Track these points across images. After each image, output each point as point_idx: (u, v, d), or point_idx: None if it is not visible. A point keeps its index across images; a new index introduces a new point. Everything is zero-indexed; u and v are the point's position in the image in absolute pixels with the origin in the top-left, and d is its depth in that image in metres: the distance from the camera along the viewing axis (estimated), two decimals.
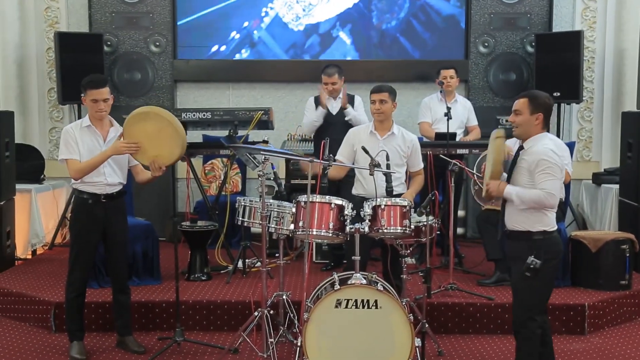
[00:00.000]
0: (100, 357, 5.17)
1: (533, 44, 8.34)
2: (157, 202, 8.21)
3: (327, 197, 4.72)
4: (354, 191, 5.53)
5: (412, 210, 4.88)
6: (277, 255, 5.33)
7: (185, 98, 8.64)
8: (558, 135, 7.76)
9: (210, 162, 8.19)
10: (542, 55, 8.12)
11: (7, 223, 6.86)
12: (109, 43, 8.39)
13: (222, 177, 7.56)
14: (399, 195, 5.13)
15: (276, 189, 5.39)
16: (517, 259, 4.20)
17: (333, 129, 6.64)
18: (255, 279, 6.23)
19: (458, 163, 5.75)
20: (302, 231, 4.69)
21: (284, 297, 5.13)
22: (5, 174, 6.79)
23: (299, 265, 6.65)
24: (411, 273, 5.43)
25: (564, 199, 6.06)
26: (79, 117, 7.65)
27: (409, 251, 5.04)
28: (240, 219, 5.19)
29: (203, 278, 6.36)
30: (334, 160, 4.99)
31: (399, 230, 4.72)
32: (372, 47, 8.54)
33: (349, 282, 4.48)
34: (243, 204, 5.19)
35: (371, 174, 4.76)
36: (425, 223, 4.99)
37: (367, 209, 4.73)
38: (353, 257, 4.63)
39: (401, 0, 8.47)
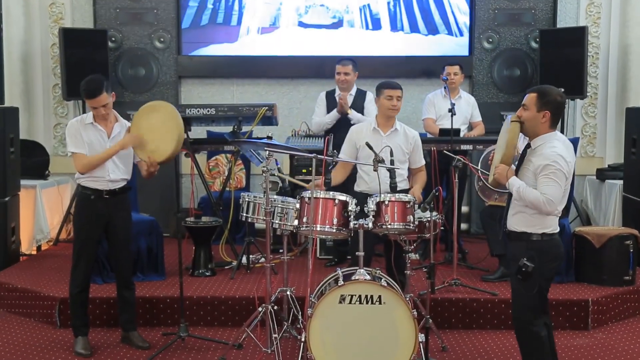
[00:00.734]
0: (104, 352, 5.18)
1: (537, 39, 8.33)
2: (161, 198, 8.22)
3: (331, 193, 4.72)
4: (357, 188, 5.53)
5: (416, 206, 4.89)
6: (281, 251, 5.33)
7: (190, 94, 8.65)
8: (562, 131, 7.75)
9: (214, 158, 8.20)
10: (547, 51, 8.11)
11: (11, 219, 6.87)
12: (113, 39, 8.40)
13: (226, 173, 7.57)
14: (402, 192, 5.13)
15: (280, 184, 5.40)
16: (515, 260, 4.13)
17: (338, 124, 6.64)
18: (259, 275, 6.25)
19: (462, 159, 5.75)
20: (306, 227, 4.69)
21: (288, 292, 5.14)
22: (10, 170, 6.81)
23: (302, 261, 6.66)
24: (415, 269, 5.44)
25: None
26: (84, 113, 7.65)
27: (412, 247, 5.04)
28: (244, 214, 5.20)
29: (207, 274, 6.37)
30: (338, 157, 4.99)
31: (402, 226, 4.73)
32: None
33: (352, 278, 4.48)
34: (247, 199, 5.20)
35: (375, 170, 4.77)
36: (429, 219, 4.99)
37: (371, 205, 4.73)
38: (357, 253, 4.63)
39: None
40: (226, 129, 6.94)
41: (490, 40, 8.51)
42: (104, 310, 5.68)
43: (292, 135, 7.63)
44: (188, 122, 6.57)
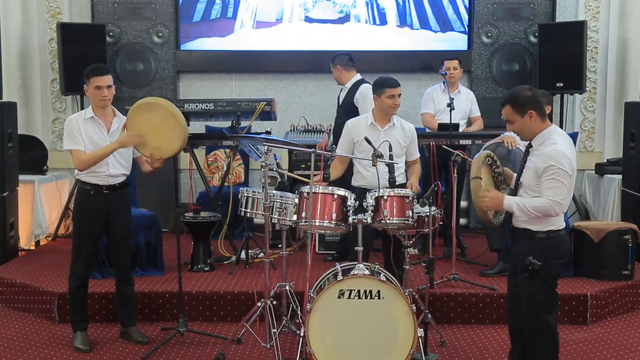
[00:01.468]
0: (103, 347, 5.18)
1: (536, 34, 8.33)
2: (160, 193, 8.22)
3: (330, 187, 4.72)
4: (354, 182, 5.52)
5: (415, 200, 4.89)
6: (280, 246, 5.34)
7: (188, 89, 8.64)
8: (560, 126, 7.75)
9: (213, 153, 8.19)
10: (545, 45, 8.10)
11: (10, 214, 6.87)
12: (111, 34, 8.39)
13: (225, 168, 7.56)
14: (400, 186, 5.12)
15: (279, 179, 5.39)
16: (520, 258, 4.08)
17: (340, 118, 6.64)
18: (258, 270, 6.24)
19: (461, 154, 5.74)
20: (305, 222, 4.69)
21: (287, 287, 5.14)
22: (8, 165, 6.80)
23: (301, 256, 6.67)
24: (414, 264, 5.43)
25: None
26: (82, 108, 7.63)
27: (411, 242, 5.04)
28: (243, 209, 5.19)
29: (206, 269, 6.37)
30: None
31: (401, 221, 4.73)
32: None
33: (351, 273, 4.48)
34: (246, 194, 5.19)
35: (374, 165, 4.77)
36: (427, 214, 4.99)
37: (369, 200, 4.73)
38: (356, 248, 4.64)
39: None
40: (225, 124, 6.94)
41: (489, 34, 8.50)
42: (102, 306, 5.68)
43: (291, 130, 7.62)
44: (187, 117, 6.54)
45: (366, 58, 8.27)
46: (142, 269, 6.18)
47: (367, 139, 4.96)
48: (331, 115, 7.29)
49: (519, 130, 4.11)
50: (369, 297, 4.38)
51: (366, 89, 6.71)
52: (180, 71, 8.60)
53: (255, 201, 5.14)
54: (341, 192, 4.72)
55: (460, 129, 7.02)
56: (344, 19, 8.51)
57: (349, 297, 4.38)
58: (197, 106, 6.64)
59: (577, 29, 8.00)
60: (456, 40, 8.51)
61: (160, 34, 8.48)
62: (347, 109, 6.75)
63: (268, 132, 6.32)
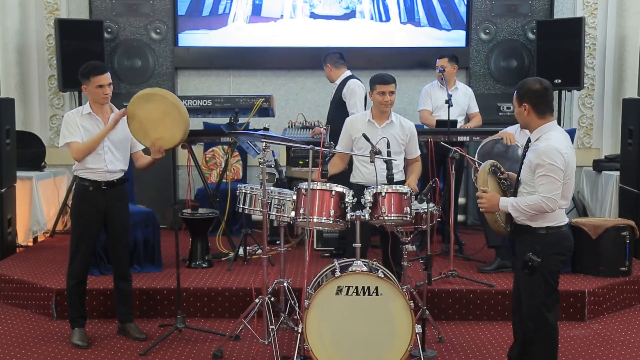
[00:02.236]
0: (101, 343, 5.19)
1: (534, 30, 8.32)
2: (158, 189, 8.22)
3: (328, 184, 4.72)
4: (352, 179, 5.52)
5: (413, 197, 4.89)
6: (278, 242, 5.34)
7: (186, 85, 8.63)
8: (558, 123, 7.75)
9: (211, 149, 8.19)
10: (544, 42, 8.10)
11: (8, 210, 6.87)
12: (109, 30, 8.37)
13: (223, 165, 7.56)
14: (399, 183, 5.13)
15: (277, 176, 5.39)
16: (520, 254, 4.09)
17: (337, 115, 6.63)
18: (256, 266, 6.25)
19: (459, 150, 5.74)
20: (303, 218, 4.69)
21: (285, 284, 5.15)
22: (6, 161, 6.80)
23: (299, 253, 6.68)
24: (412, 260, 5.43)
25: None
26: (80, 104, 7.65)
27: (409, 238, 5.04)
28: (241, 206, 5.19)
29: (204, 265, 6.37)
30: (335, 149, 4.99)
31: (399, 218, 4.73)
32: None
33: (349, 269, 4.48)
34: (244, 191, 5.19)
35: (372, 162, 4.77)
36: (425, 210, 4.99)
37: (367, 197, 4.73)
38: (354, 244, 4.64)
39: None
40: (223, 120, 6.94)
41: (487, 31, 8.50)
42: (100, 302, 5.68)
43: (289, 127, 7.62)
44: None
45: (364, 54, 8.29)
46: (140, 266, 6.18)
47: (364, 136, 4.97)
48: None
49: (516, 116, 4.18)
50: (366, 293, 4.38)
51: (353, 84, 6.75)
52: (178, 67, 8.59)
53: (253, 198, 5.14)
54: (339, 188, 4.72)
55: (458, 126, 7.02)
56: (350, 14, 8.49)
57: (347, 294, 4.39)
58: (195, 103, 6.63)
59: (575, 26, 7.99)
60: (455, 37, 8.50)
61: (158, 30, 8.47)
62: (337, 105, 6.81)
63: (266, 129, 6.32)
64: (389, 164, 4.86)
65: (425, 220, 4.99)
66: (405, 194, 4.76)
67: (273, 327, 4.82)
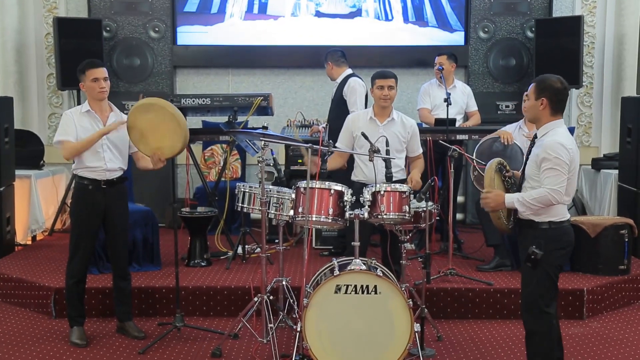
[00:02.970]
0: (100, 342, 5.18)
1: (533, 29, 8.33)
2: (156, 188, 8.22)
3: (327, 183, 4.72)
4: (353, 177, 5.53)
5: (412, 196, 4.89)
6: (276, 241, 5.33)
7: (185, 84, 8.63)
8: None
9: (209, 148, 8.19)
10: (542, 40, 8.11)
11: (7, 209, 6.86)
12: (108, 28, 8.37)
13: (222, 163, 7.56)
14: (398, 181, 5.13)
15: (276, 175, 5.39)
16: (524, 248, 4.12)
17: (337, 113, 6.63)
18: (255, 265, 6.25)
19: (458, 149, 5.75)
20: (302, 217, 4.69)
21: (284, 282, 5.14)
22: (4, 159, 6.79)
23: (298, 251, 6.67)
24: (410, 259, 5.44)
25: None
26: (79, 103, 7.64)
27: (408, 237, 5.04)
28: (240, 205, 5.19)
29: (203, 264, 6.37)
30: (334, 147, 4.99)
31: (398, 216, 4.73)
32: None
33: (348, 268, 4.48)
34: (243, 190, 5.19)
35: (371, 160, 4.77)
36: (424, 209, 4.99)
37: (366, 195, 4.73)
38: (353, 243, 4.63)
39: None
40: (222, 119, 6.93)
41: (486, 29, 8.50)
42: (99, 301, 5.67)
43: (288, 126, 7.62)
44: (183, 112, 6.54)
45: (364, 53, 8.28)
46: (139, 264, 6.18)
47: (363, 134, 4.98)
48: (328, 110, 7.28)
49: (528, 108, 4.21)
50: (365, 292, 4.39)
51: (354, 82, 6.75)
52: (177, 66, 8.58)
53: (252, 196, 5.14)
54: (338, 187, 4.71)
55: (457, 124, 7.02)
56: (356, 13, 8.48)
57: (346, 292, 4.39)
58: (194, 101, 6.64)
59: (574, 24, 8.00)
60: (454, 36, 8.51)
61: (156, 29, 8.46)
62: (338, 104, 6.80)
63: (265, 127, 6.32)
64: (388, 162, 4.86)
65: (424, 218, 5.00)
66: (404, 192, 4.76)
67: (272, 325, 4.81)
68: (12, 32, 8.21)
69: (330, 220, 4.70)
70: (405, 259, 4.99)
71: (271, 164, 5.21)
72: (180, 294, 5.33)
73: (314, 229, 6.72)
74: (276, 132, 7.08)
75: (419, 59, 8.43)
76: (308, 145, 4.79)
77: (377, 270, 4.53)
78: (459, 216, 8.07)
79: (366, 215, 4.70)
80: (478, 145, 6.19)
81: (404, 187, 4.80)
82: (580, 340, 5.26)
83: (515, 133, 6.10)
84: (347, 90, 6.76)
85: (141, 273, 6.06)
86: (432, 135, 6.62)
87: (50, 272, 6.16)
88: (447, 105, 6.48)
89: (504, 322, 5.60)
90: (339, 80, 6.91)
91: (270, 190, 4.97)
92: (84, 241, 5.10)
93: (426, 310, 5.06)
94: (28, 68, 8.36)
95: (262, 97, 6.59)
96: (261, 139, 4.91)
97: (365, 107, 6.49)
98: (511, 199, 4.06)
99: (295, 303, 5.12)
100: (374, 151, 4.76)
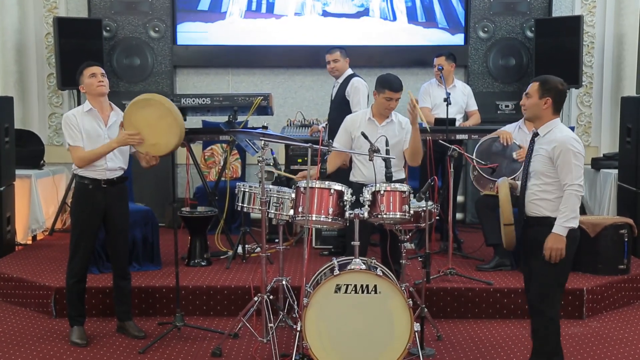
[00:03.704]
0: (100, 341, 5.19)
1: (533, 29, 8.33)
2: (156, 187, 8.22)
3: (327, 182, 4.72)
4: (352, 178, 5.53)
5: (412, 195, 4.89)
6: (276, 240, 5.34)
7: (185, 84, 8.63)
8: None
9: (209, 147, 8.19)
10: (542, 40, 8.11)
11: (7, 208, 6.87)
12: (108, 28, 8.37)
13: (222, 163, 7.57)
14: (398, 181, 5.13)
15: (275, 174, 5.39)
16: (538, 246, 4.13)
17: (337, 113, 6.63)
18: (255, 265, 6.25)
19: (457, 148, 5.75)
20: (302, 217, 4.70)
21: (284, 282, 5.14)
22: (4, 159, 6.80)
23: (298, 251, 6.67)
24: (410, 258, 5.45)
25: None
26: (79, 103, 7.65)
27: (408, 236, 5.05)
28: (240, 204, 5.19)
29: (203, 263, 6.37)
30: (334, 147, 4.99)
31: (398, 216, 4.73)
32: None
33: (348, 268, 4.49)
34: (243, 189, 5.19)
35: (370, 160, 4.77)
36: (424, 208, 5.00)
37: (366, 195, 4.74)
38: (352, 243, 4.64)
39: None
40: (221, 118, 6.94)
41: (486, 29, 8.50)
42: (100, 300, 5.68)
43: (288, 125, 7.62)
44: (183, 112, 6.57)
45: (363, 52, 8.27)
46: (139, 264, 6.19)
47: (363, 134, 4.99)
48: (328, 110, 7.28)
49: (530, 106, 4.24)
50: (365, 291, 4.39)
51: (357, 82, 6.72)
52: (177, 66, 8.58)
53: (252, 196, 5.15)
54: (338, 186, 4.72)
55: (457, 124, 7.02)
56: (363, 13, 8.47)
57: (346, 292, 4.39)
58: (193, 101, 6.64)
59: (574, 24, 8.00)
60: (453, 35, 8.51)
61: (156, 29, 8.46)
62: (339, 104, 6.77)
63: (265, 127, 6.33)
64: (387, 162, 4.87)
65: (424, 218, 5.00)
66: (404, 192, 4.76)
67: (272, 325, 4.82)
68: (12, 32, 8.21)
69: (330, 220, 4.70)
70: (405, 259, 4.99)
71: (271, 164, 5.22)
72: (180, 294, 5.34)
73: (314, 229, 6.72)
74: (276, 131, 7.08)
75: (418, 58, 8.42)
76: (308, 144, 4.79)
77: (377, 270, 4.53)
78: (458, 216, 8.08)
79: (366, 214, 4.70)
80: (478, 145, 6.20)
81: (404, 187, 4.81)
82: (580, 340, 5.26)
83: (514, 133, 6.11)
84: (351, 90, 6.73)
85: (141, 273, 6.07)
86: (432, 135, 6.61)
87: (50, 272, 6.16)
88: (447, 105, 6.48)
89: (503, 321, 5.61)
90: (340, 80, 6.90)
91: (270, 190, 4.98)
92: (85, 241, 5.10)
93: (426, 309, 5.07)
94: (28, 68, 8.37)
95: (262, 97, 6.59)
96: (261, 138, 4.91)
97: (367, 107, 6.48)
98: (558, 229, 4.09)
99: (295, 302, 5.13)
100: (374, 151, 4.76)
